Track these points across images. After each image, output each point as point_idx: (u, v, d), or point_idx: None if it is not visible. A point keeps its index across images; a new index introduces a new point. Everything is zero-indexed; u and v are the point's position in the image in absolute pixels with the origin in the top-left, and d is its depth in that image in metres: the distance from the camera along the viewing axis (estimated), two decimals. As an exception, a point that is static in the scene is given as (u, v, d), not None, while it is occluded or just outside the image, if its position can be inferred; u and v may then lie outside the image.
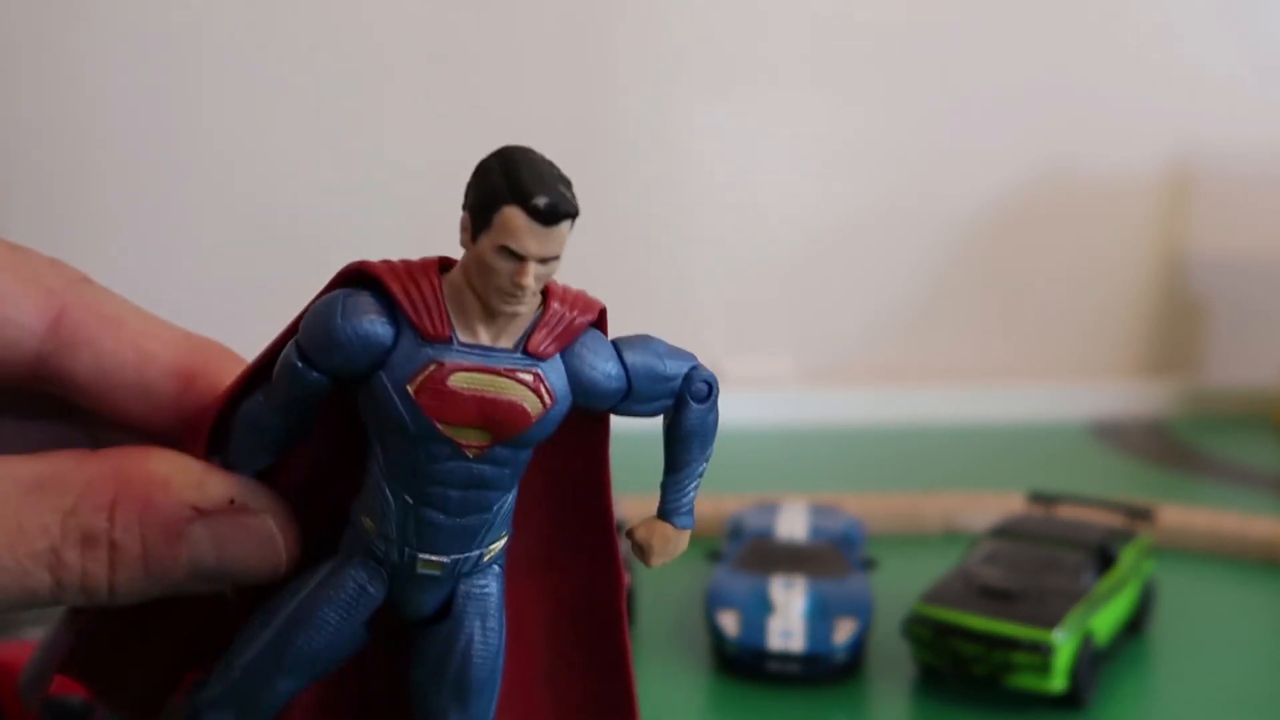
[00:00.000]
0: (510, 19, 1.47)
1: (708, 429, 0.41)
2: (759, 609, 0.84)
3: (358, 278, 0.38)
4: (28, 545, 0.37)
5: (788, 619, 0.83)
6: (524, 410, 0.37)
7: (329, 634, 0.39)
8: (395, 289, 0.37)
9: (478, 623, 0.40)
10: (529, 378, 0.37)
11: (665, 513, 0.42)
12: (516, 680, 0.43)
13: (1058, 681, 0.77)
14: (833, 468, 1.35)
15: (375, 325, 0.37)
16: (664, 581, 0.96)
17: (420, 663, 0.41)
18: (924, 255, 1.61)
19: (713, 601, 0.85)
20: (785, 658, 0.81)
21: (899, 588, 0.89)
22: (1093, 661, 0.80)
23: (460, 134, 1.40)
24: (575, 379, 0.38)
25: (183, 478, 0.39)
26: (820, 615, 0.83)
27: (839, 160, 1.56)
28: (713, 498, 1.09)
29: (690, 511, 0.42)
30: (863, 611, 0.84)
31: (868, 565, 0.91)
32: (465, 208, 0.36)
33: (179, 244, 1.44)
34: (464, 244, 0.37)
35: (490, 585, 0.40)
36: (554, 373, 0.38)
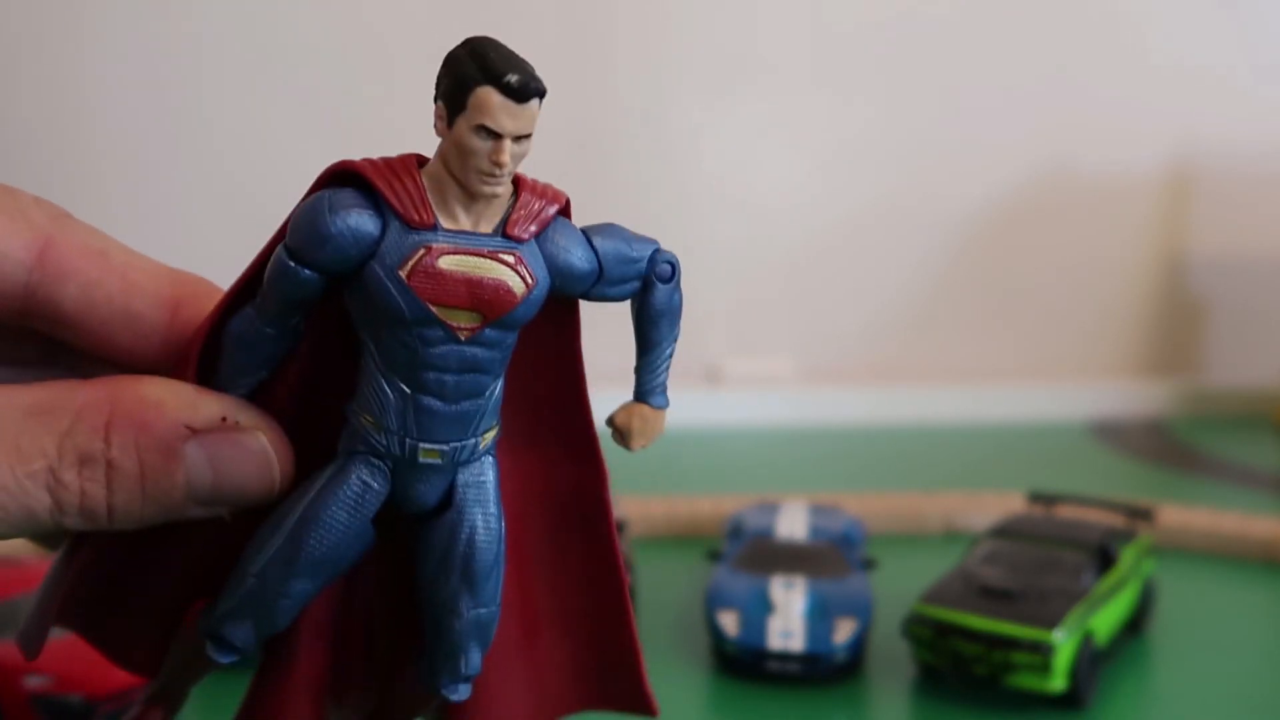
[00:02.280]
0: (510, 19, 1.47)
1: (674, 308, 0.43)
2: (759, 609, 0.83)
3: (340, 177, 0.39)
4: (26, 465, 0.38)
5: (788, 619, 0.83)
6: (509, 289, 0.39)
7: (338, 532, 0.41)
8: (379, 183, 0.38)
9: (479, 509, 0.42)
10: (511, 259, 0.39)
11: (641, 393, 0.43)
12: (517, 570, 0.44)
13: (1058, 681, 0.77)
14: (833, 468, 1.35)
15: (363, 217, 0.38)
16: (664, 581, 0.96)
17: (427, 556, 0.42)
18: (924, 255, 1.61)
19: (713, 601, 0.85)
20: (785, 658, 0.81)
21: (899, 588, 0.89)
22: (1093, 661, 0.80)
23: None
24: (551, 262, 0.40)
25: (175, 399, 0.40)
26: (820, 615, 0.83)
27: (839, 160, 1.56)
28: (713, 498, 1.09)
29: (664, 391, 0.44)
30: (863, 611, 0.84)
31: (868, 565, 0.91)
32: (438, 97, 0.38)
33: (179, 240, 1.43)
34: (439, 132, 0.38)
35: (487, 473, 0.42)
36: (532, 256, 0.39)
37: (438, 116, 0.38)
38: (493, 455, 0.42)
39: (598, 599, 0.45)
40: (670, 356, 0.43)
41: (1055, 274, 1.63)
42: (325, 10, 1.46)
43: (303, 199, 0.39)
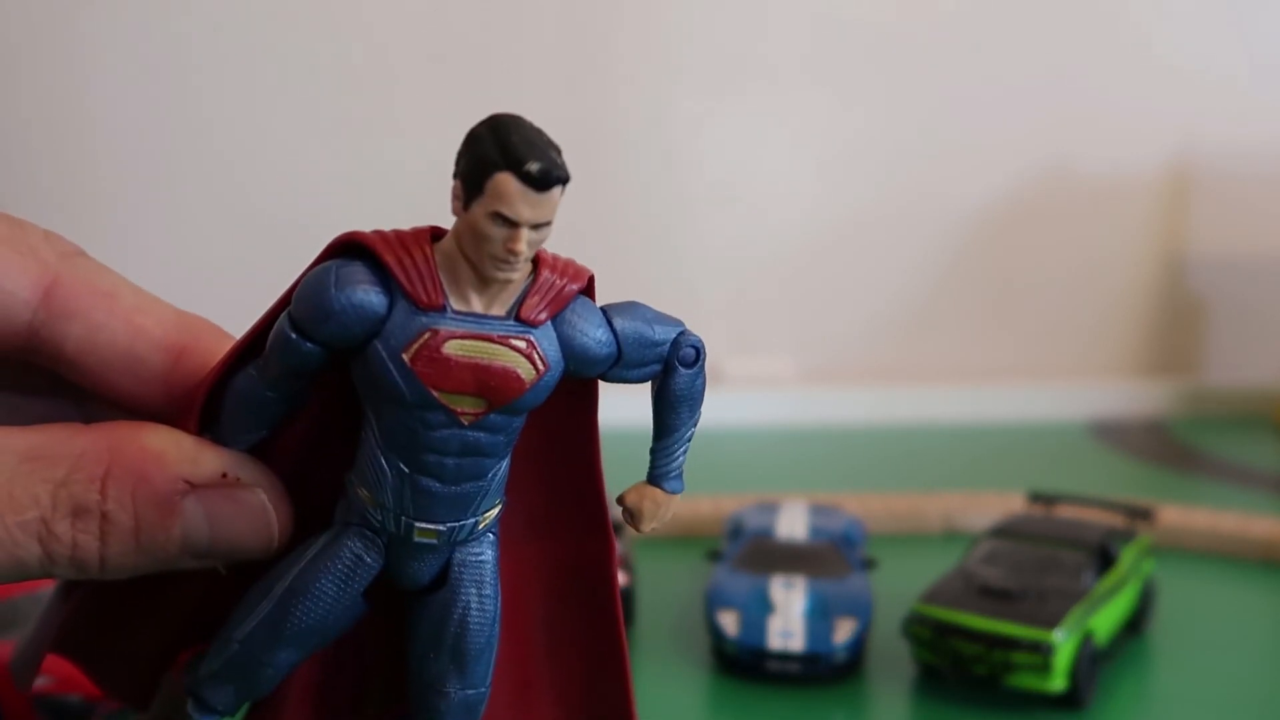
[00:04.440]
0: (510, 18, 1.47)
1: (695, 394, 0.41)
2: (759, 609, 0.83)
3: (349, 248, 0.38)
4: (17, 514, 0.37)
5: (788, 619, 0.83)
6: (518, 376, 0.38)
7: (327, 604, 0.40)
8: (388, 258, 0.37)
9: (474, 590, 0.41)
10: (522, 344, 0.38)
11: (655, 478, 0.42)
12: (514, 646, 0.44)
13: (1058, 681, 0.77)
14: (833, 468, 1.35)
15: (369, 294, 0.37)
16: (664, 581, 0.96)
17: (417, 632, 0.41)
18: (924, 255, 1.61)
19: (713, 601, 0.85)
20: (785, 658, 0.81)
21: (899, 588, 0.89)
22: (1093, 661, 0.80)
23: (459, 133, 1.39)
24: (567, 345, 0.39)
25: (176, 451, 0.39)
26: (820, 615, 0.83)
27: (839, 160, 1.56)
28: (713, 498, 1.09)
29: (680, 476, 0.42)
30: (863, 611, 0.84)
31: (868, 565, 0.91)
32: (456, 175, 0.36)
33: (177, 241, 1.44)
34: (455, 212, 0.37)
35: (485, 553, 0.41)
36: (546, 339, 0.38)
37: (454, 196, 0.36)
38: (494, 533, 0.41)
39: (596, 668, 0.44)
40: (689, 440, 0.42)
41: (1055, 274, 1.63)
42: (324, 11, 1.46)
43: (309, 267, 0.38)
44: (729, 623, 0.83)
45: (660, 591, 0.95)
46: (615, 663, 0.44)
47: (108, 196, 1.45)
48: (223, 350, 0.41)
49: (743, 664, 0.83)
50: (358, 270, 0.37)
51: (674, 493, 0.42)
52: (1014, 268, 1.62)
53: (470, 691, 0.41)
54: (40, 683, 0.69)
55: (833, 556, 0.90)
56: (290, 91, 1.46)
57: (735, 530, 0.95)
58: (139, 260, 0.45)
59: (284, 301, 0.39)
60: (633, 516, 0.42)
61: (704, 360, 0.41)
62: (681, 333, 0.41)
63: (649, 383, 0.41)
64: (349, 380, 0.39)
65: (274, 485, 0.40)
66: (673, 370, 0.41)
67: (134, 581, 0.41)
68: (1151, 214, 1.63)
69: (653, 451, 0.42)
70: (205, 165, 1.46)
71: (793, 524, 0.94)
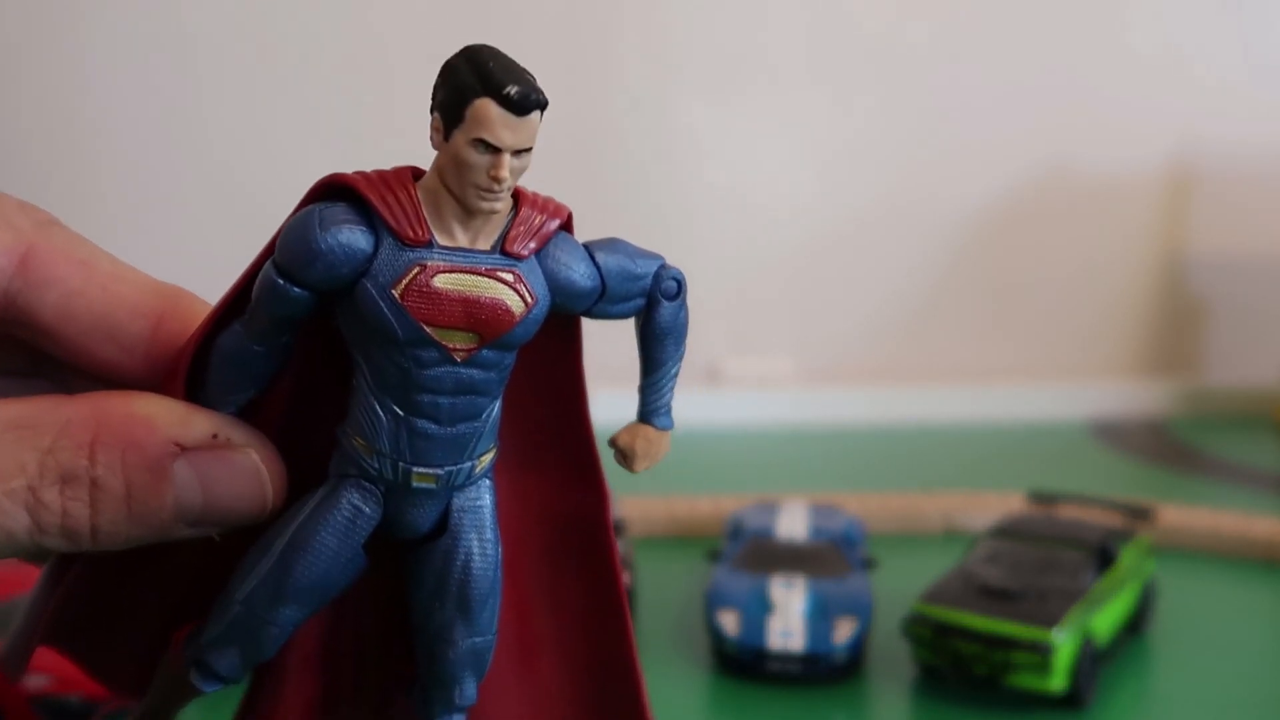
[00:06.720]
0: (510, 19, 1.47)
1: (679, 326, 0.41)
2: (759, 609, 0.84)
3: (331, 190, 0.38)
4: (3, 483, 0.36)
5: (788, 619, 0.83)
6: (507, 308, 0.37)
7: (328, 559, 0.39)
8: (372, 197, 0.37)
9: (475, 535, 0.40)
10: (509, 277, 0.38)
11: (645, 414, 0.42)
12: (513, 598, 0.43)
13: (1058, 681, 0.77)
14: (833, 468, 1.35)
15: (355, 234, 0.37)
16: (664, 581, 0.96)
17: (421, 583, 0.41)
18: (923, 255, 1.61)
19: (713, 601, 0.85)
20: (785, 658, 0.81)
21: (899, 588, 0.89)
22: (1093, 661, 0.80)
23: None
24: (552, 279, 0.39)
25: (165, 415, 0.38)
26: (820, 615, 0.83)
27: (839, 160, 1.56)
28: (713, 498, 1.09)
29: (669, 412, 0.42)
30: (863, 611, 0.84)
31: (868, 565, 0.91)
32: (434, 108, 0.37)
33: (177, 242, 1.44)
34: (435, 145, 0.37)
35: (484, 498, 0.41)
36: (532, 273, 0.38)
37: (433, 129, 0.37)
38: (490, 478, 0.41)
39: (597, 623, 0.44)
40: (675, 376, 0.42)
41: (1055, 274, 1.63)
42: (325, 11, 1.46)
43: (292, 213, 0.38)
44: (729, 623, 0.83)
45: (660, 591, 0.95)
46: (615, 611, 0.44)
47: (107, 197, 1.45)
48: (203, 316, 0.40)
49: (743, 664, 0.83)
50: (342, 210, 0.37)
51: (665, 429, 0.42)
52: (1013, 268, 1.62)
53: (478, 639, 0.41)
54: (40, 683, 0.69)
55: (833, 556, 0.90)
56: (290, 91, 1.46)
57: (735, 530, 0.95)
58: (139, 262, 0.44)
59: (265, 254, 0.38)
60: (625, 457, 0.42)
61: (685, 293, 0.41)
62: (662, 265, 0.41)
63: (632, 320, 0.41)
64: (329, 336, 0.39)
65: (265, 446, 0.40)
66: (656, 304, 0.41)
67: (124, 561, 0.41)
68: (1151, 214, 1.63)
69: (641, 389, 0.42)
70: (205, 165, 1.46)
71: (793, 524, 0.94)
